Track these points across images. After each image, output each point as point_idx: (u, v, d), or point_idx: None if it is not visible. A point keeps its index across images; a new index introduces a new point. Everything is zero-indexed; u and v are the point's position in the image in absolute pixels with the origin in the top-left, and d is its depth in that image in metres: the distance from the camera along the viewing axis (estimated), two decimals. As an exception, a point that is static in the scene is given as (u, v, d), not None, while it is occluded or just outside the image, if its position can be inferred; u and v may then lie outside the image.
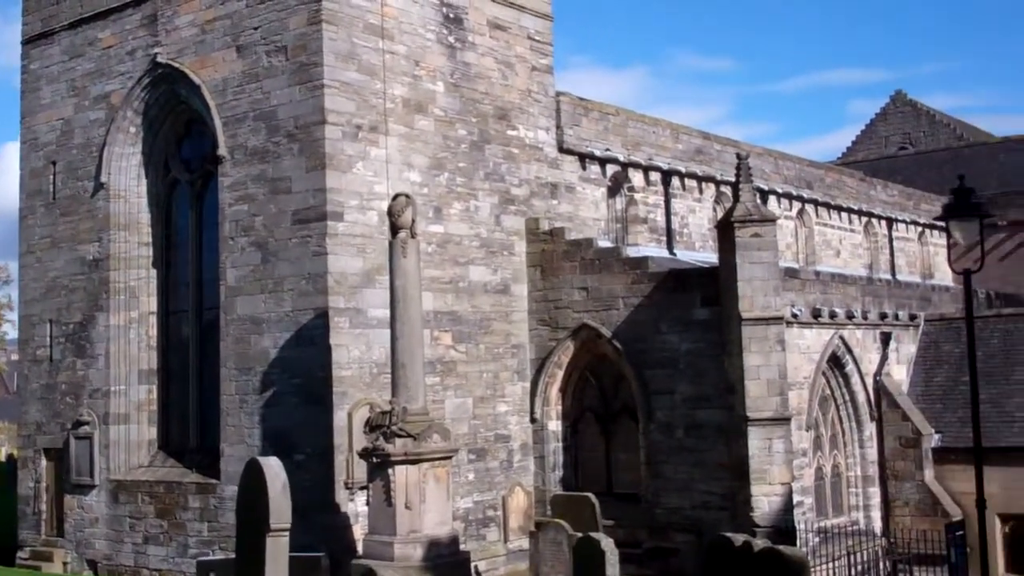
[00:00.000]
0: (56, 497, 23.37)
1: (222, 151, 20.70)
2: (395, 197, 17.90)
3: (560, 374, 22.74)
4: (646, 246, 26.08)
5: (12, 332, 55.67)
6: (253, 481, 9.23)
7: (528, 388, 22.74)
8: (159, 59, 21.82)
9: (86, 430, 22.41)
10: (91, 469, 22.31)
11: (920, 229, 40.21)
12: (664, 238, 27.29)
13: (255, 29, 20.40)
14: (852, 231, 36.04)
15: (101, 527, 22.28)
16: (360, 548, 17.82)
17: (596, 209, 25.28)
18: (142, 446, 22.51)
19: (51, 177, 23.79)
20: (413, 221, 17.66)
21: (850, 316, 24.32)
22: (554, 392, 22.77)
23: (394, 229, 17.62)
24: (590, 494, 20.45)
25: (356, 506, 18.92)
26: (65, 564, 22.74)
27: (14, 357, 69.88)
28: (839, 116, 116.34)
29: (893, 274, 36.87)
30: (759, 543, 10.32)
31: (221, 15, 20.96)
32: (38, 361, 23.82)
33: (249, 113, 20.39)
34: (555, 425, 22.81)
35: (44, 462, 23.59)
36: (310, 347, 19.29)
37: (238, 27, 20.66)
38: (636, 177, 26.65)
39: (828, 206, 34.42)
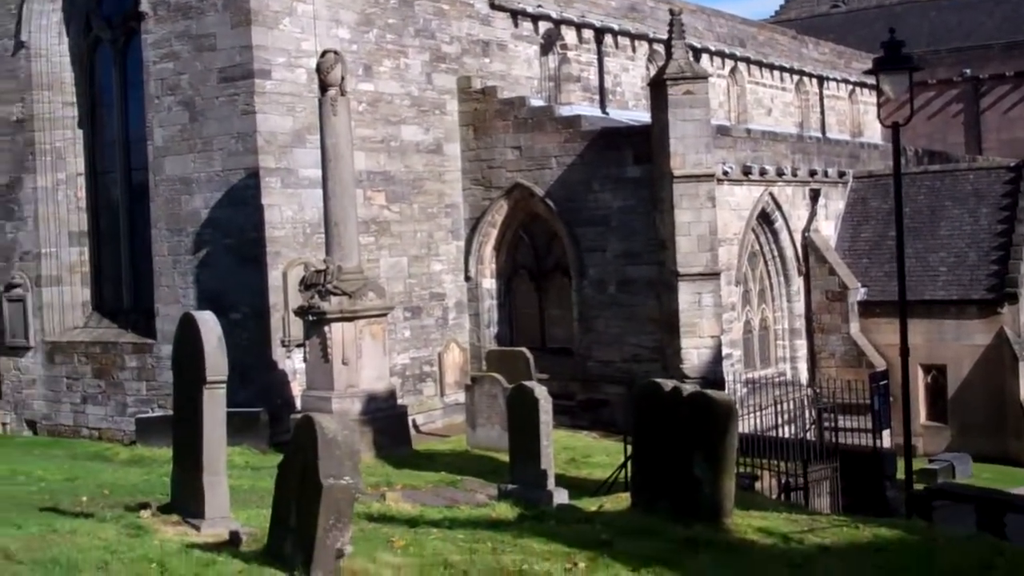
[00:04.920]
0: (-8, 360, 23.32)
1: (144, 7, 20.18)
2: (323, 54, 17.63)
3: (494, 233, 22.88)
4: (579, 105, 26.02)
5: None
6: (187, 335, 9.25)
7: (462, 247, 22.89)
8: (76, -89, 21.10)
9: (18, 292, 22.26)
10: (25, 331, 22.24)
11: (851, 87, 40.38)
12: (597, 97, 27.23)
13: None
14: (784, 89, 36.14)
15: (39, 388, 22.29)
16: (298, 404, 18.07)
17: (528, 68, 25.10)
18: (76, 308, 22.44)
19: (-32, 36, 23.09)
20: (343, 79, 17.44)
21: (780, 173, 24.59)
22: (488, 251, 22.94)
23: (323, 87, 17.40)
24: (524, 348, 20.77)
25: (293, 363, 19.10)
26: (4, 425, 22.81)
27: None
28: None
29: (823, 132, 37.15)
30: (688, 388, 10.61)
31: None
32: (-35, 225, 23.46)
33: (172, -33, 19.85)
34: (489, 283, 23.04)
35: (-24, 326, 23.46)
36: (242, 207, 19.20)
37: None
38: (569, 35, 26.43)
39: (760, 64, 34.43)
